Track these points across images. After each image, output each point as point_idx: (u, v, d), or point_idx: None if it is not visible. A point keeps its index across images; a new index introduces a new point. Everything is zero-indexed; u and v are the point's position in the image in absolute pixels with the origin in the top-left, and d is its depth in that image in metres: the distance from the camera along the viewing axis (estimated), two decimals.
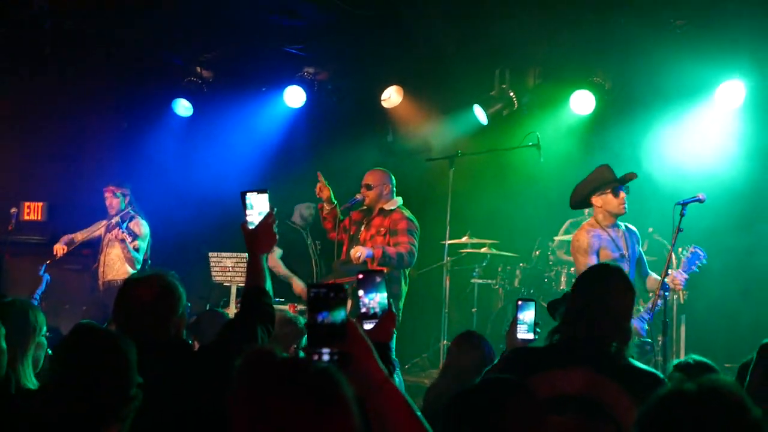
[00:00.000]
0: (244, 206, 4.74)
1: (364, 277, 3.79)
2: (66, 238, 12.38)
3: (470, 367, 6.08)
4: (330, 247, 10.76)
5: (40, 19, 11.59)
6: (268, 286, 4.77)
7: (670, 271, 8.66)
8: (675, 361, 5.46)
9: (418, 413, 2.76)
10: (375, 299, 3.78)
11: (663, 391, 2.64)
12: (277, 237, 4.79)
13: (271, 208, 4.74)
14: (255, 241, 4.73)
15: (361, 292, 3.77)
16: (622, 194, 8.84)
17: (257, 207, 4.73)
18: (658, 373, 4.46)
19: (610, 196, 8.85)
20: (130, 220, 12.18)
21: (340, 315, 2.66)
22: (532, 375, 4.29)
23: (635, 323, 8.43)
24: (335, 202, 10.12)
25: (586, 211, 10.78)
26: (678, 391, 2.58)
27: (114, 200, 12.20)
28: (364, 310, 3.77)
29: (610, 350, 4.39)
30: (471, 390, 3.54)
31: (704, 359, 5.33)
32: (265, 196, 4.74)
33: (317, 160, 13.15)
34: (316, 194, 10.13)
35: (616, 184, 8.83)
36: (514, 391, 3.50)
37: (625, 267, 8.72)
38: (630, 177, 8.87)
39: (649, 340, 8.67)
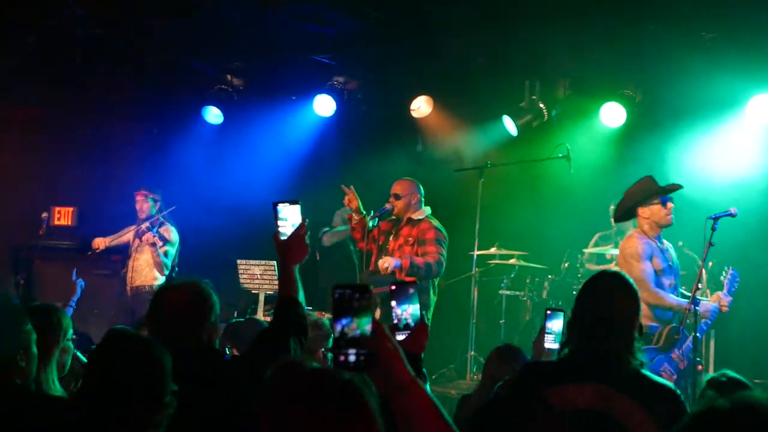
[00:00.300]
0: (276, 217, 4.74)
1: (396, 288, 3.78)
2: (98, 238, 12.48)
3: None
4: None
5: (72, 27, 11.65)
6: (301, 296, 4.76)
7: (700, 285, 8.61)
8: (708, 377, 5.40)
9: (446, 416, 2.74)
10: (407, 310, 3.78)
11: (697, 409, 2.62)
12: (309, 248, 4.78)
13: (303, 219, 4.74)
14: (287, 252, 4.72)
15: (393, 303, 3.77)
16: (670, 205, 8.89)
17: (289, 218, 4.73)
18: (670, 384, 4.38)
19: (657, 207, 8.89)
20: (160, 225, 12.26)
21: (365, 322, 2.63)
22: (546, 389, 4.26)
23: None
24: (364, 212, 10.13)
25: (614, 225, 10.77)
26: (711, 409, 2.56)
27: (145, 204, 12.29)
28: (396, 321, 3.77)
29: (619, 361, 4.31)
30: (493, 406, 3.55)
31: (737, 375, 5.28)
32: (297, 207, 4.74)
33: (346, 169, 13.16)
34: (345, 205, 10.16)
35: (662, 194, 8.83)
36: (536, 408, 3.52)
37: (672, 280, 8.77)
38: (674, 188, 8.89)
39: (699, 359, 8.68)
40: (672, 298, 8.66)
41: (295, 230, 4.71)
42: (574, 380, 4.26)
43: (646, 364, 4.52)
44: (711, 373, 5.63)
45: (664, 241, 9.01)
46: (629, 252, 8.82)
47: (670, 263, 8.87)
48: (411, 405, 2.70)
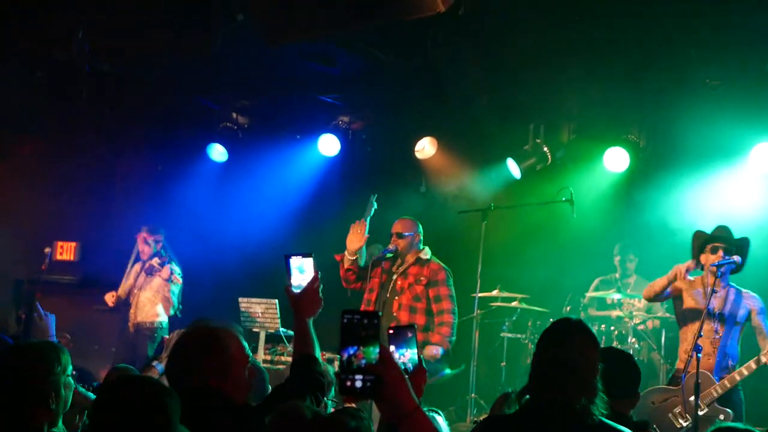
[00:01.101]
0: (288, 270, 4.71)
1: (395, 332, 3.78)
2: (111, 295, 12.51)
3: None
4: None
5: (79, 62, 11.70)
6: (317, 352, 4.72)
7: (702, 333, 8.60)
8: (718, 423, 5.28)
9: None
10: (406, 355, 3.77)
11: None
12: (322, 302, 4.76)
13: (316, 272, 4.71)
14: (301, 306, 4.70)
15: (392, 348, 3.76)
16: (720, 252, 8.91)
17: (303, 270, 4.71)
18: (628, 431, 4.24)
19: (708, 254, 9.01)
20: (164, 264, 12.24)
21: (372, 351, 2.63)
22: None
23: None
24: (359, 255, 10.20)
25: (618, 270, 10.80)
26: None
27: (145, 247, 12.28)
28: None
29: (577, 411, 4.16)
30: None
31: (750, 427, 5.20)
32: (310, 260, 4.71)
33: (350, 208, 13.17)
34: (349, 239, 10.15)
35: (710, 241, 8.94)
36: None
37: (712, 324, 8.80)
38: (718, 232, 8.98)
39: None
40: None
41: (309, 283, 4.68)
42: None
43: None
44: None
45: (728, 288, 9.20)
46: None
47: (710, 307, 8.87)
48: (414, 431, 2.68)
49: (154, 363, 7.13)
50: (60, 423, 4.80)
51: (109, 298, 12.48)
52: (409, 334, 3.81)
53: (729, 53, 10.31)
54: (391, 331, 3.78)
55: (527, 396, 4.37)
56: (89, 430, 3.49)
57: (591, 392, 4.24)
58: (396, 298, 10.18)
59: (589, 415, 4.18)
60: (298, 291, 4.70)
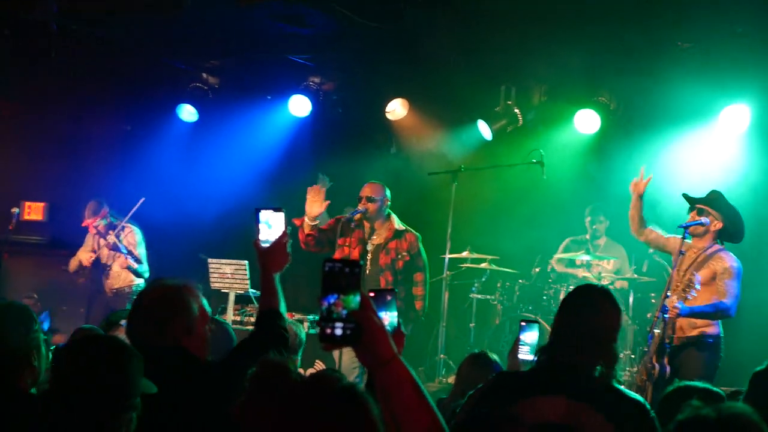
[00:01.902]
0: (257, 223, 4.67)
1: (375, 295, 3.77)
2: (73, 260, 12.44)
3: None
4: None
5: (47, 22, 11.59)
6: (282, 307, 4.73)
7: (669, 293, 8.64)
8: (675, 385, 5.29)
9: (425, 393, 2.73)
10: (385, 318, 3.77)
11: (683, 417, 2.63)
12: (290, 257, 4.74)
13: (286, 227, 4.70)
14: (269, 260, 4.68)
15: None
16: (693, 213, 9.13)
17: (272, 225, 4.67)
18: (642, 399, 4.33)
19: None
20: (121, 229, 12.16)
21: (353, 299, 2.62)
22: (517, 401, 4.24)
23: None
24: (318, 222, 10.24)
25: (588, 232, 10.83)
26: (698, 418, 2.58)
27: (98, 233, 12.19)
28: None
29: (593, 375, 4.29)
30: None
31: (709, 386, 5.23)
32: (281, 215, 4.69)
33: (320, 169, 13.15)
34: (308, 203, 10.11)
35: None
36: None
37: (684, 284, 8.88)
38: (709, 195, 9.14)
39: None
40: None
41: (278, 238, 4.66)
42: (546, 392, 4.23)
43: None
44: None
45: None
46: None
47: None
48: (391, 380, 2.68)
49: (122, 322, 7.12)
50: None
51: (74, 263, 12.41)
52: (389, 297, 3.81)
53: (700, 15, 10.31)
54: (371, 294, 3.78)
55: (541, 357, 4.46)
56: (49, 389, 3.46)
57: (610, 358, 4.36)
58: (381, 275, 10.25)
59: (601, 378, 4.30)
60: (267, 245, 4.67)
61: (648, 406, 4.29)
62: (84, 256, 12.38)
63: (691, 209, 9.13)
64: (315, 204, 10.13)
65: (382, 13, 11.08)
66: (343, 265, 2.63)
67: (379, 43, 11.95)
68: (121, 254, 12.07)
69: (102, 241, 12.23)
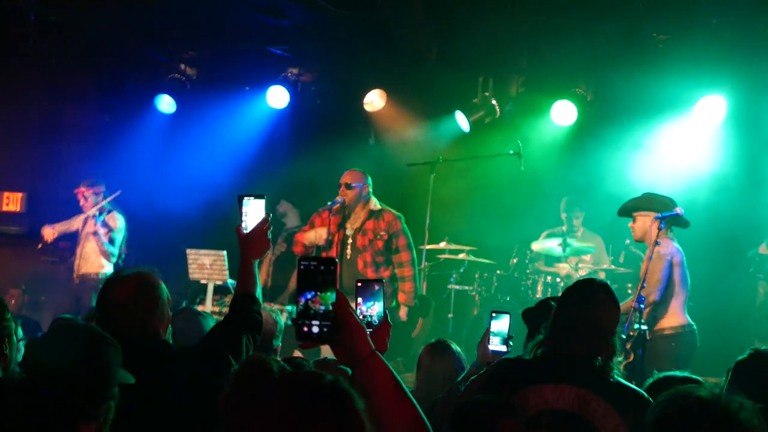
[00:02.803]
0: (240, 209, 4.72)
1: (362, 285, 3.79)
2: (47, 227, 12.34)
3: (439, 375, 6.09)
4: None
5: (26, 11, 11.55)
6: (258, 292, 4.74)
7: (645, 284, 8.69)
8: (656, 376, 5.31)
9: (405, 388, 2.74)
10: (373, 308, 3.79)
11: (681, 399, 2.69)
12: (271, 243, 4.77)
13: (267, 214, 4.73)
14: (248, 246, 4.71)
15: (359, 300, 3.79)
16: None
17: (253, 212, 4.71)
18: (643, 392, 4.42)
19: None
20: (107, 213, 12.15)
21: (329, 296, 2.65)
22: (522, 388, 4.28)
23: None
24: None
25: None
26: (696, 398, 2.64)
27: (84, 202, 12.16)
28: (361, 318, 3.77)
29: (596, 366, 4.35)
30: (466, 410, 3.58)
31: (688, 374, 5.26)
32: (262, 202, 4.72)
33: (298, 160, 13.17)
34: (319, 232, 10.26)
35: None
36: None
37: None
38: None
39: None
40: None
41: (258, 224, 4.69)
42: (552, 381, 4.31)
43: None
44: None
45: None
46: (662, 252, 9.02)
47: None
48: (371, 377, 2.71)
49: None
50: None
51: (49, 232, 12.34)
52: (376, 287, 3.81)
53: (676, 7, 10.38)
54: (359, 284, 3.80)
55: (542, 348, 4.52)
56: (25, 379, 3.47)
57: (610, 350, 4.43)
58: (359, 256, 10.30)
59: (607, 372, 4.36)
60: (248, 231, 4.71)
61: (650, 399, 4.31)
62: (49, 230, 12.33)
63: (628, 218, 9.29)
64: (322, 232, 10.22)
65: (358, 4, 11.10)
66: (319, 263, 2.66)
67: (357, 35, 11.98)
68: (93, 236, 12.03)
69: (82, 222, 12.20)
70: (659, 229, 8.84)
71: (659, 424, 2.91)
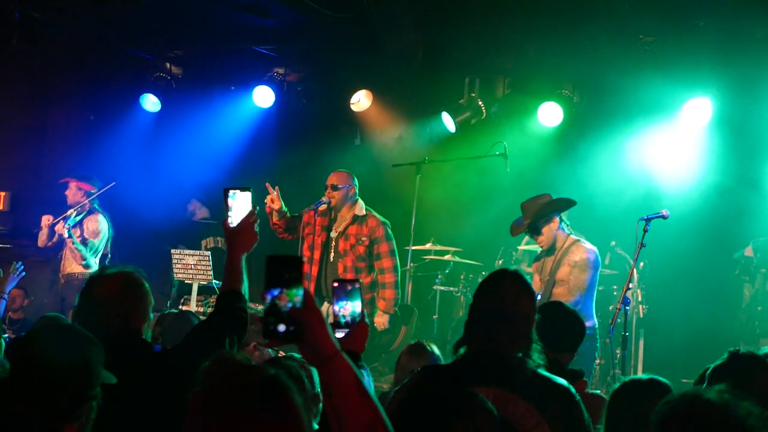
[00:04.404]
0: (226, 203, 4.63)
1: (338, 285, 3.77)
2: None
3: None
4: None
5: (9, 10, 11.51)
6: (245, 289, 4.64)
7: (631, 285, 8.71)
8: (628, 378, 5.28)
9: (368, 389, 2.74)
10: (346, 308, 3.76)
11: (689, 401, 2.68)
12: (258, 237, 4.69)
13: (254, 207, 4.63)
14: (235, 240, 4.62)
15: (334, 300, 3.76)
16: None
17: (239, 205, 4.61)
18: (566, 384, 4.28)
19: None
20: (88, 213, 12.00)
21: (295, 294, 2.63)
22: None
23: None
24: (286, 210, 10.15)
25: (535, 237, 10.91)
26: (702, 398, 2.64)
27: (68, 191, 11.99)
28: (333, 318, 3.75)
29: (513, 362, 4.21)
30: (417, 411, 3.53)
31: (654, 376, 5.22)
32: (248, 195, 4.62)
33: (284, 160, 13.16)
34: (267, 205, 10.07)
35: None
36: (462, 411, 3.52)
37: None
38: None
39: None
40: None
41: (245, 218, 4.60)
42: (472, 383, 4.09)
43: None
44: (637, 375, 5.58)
45: None
46: (589, 259, 8.91)
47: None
48: (334, 376, 2.71)
49: None
50: None
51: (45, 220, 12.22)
52: (349, 287, 3.79)
53: (663, 9, 10.37)
54: (335, 284, 3.77)
55: (463, 347, 4.38)
56: (7, 378, 3.44)
57: (526, 342, 4.28)
58: (340, 260, 10.27)
59: (524, 365, 4.22)
60: (234, 225, 4.64)
61: (573, 390, 4.25)
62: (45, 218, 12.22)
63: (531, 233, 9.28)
64: (275, 203, 10.12)
65: (344, 4, 11.09)
66: (286, 261, 2.64)
67: (343, 35, 11.96)
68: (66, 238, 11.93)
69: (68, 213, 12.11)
70: (565, 226, 8.94)
71: (664, 424, 2.90)
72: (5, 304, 7.49)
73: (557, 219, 9.01)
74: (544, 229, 9.01)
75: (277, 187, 10.03)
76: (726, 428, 2.78)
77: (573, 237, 9.10)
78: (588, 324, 8.34)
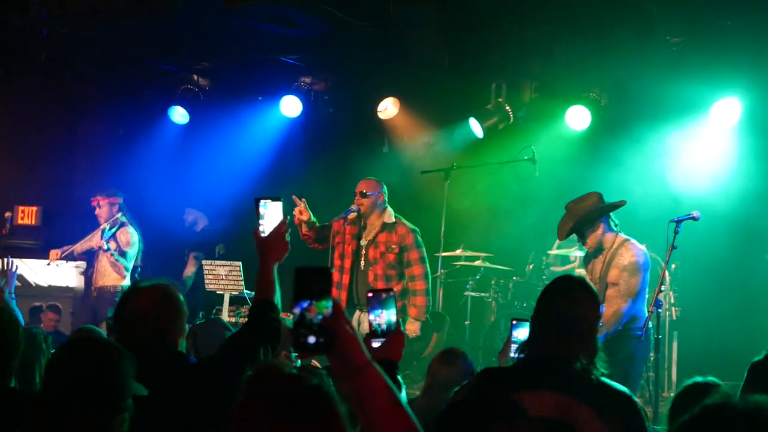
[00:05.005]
0: (257, 213, 4.61)
1: (372, 295, 3.77)
2: (66, 248, 12.35)
3: (447, 384, 6.04)
4: None
5: (38, 26, 11.59)
6: (277, 299, 4.61)
7: (663, 288, 8.64)
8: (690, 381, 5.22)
9: (401, 399, 2.73)
10: (382, 317, 3.75)
11: (710, 404, 2.66)
12: (289, 246, 4.68)
13: (285, 217, 4.63)
14: (267, 250, 4.60)
15: (369, 310, 3.76)
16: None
17: (270, 214, 4.60)
18: (628, 392, 4.26)
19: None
20: (120, 227, 12.10)
21: (324, 305, 2.62)
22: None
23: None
24: (314, 221, 10.14)
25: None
26: (728, 405, 2.62)
27: (99, 210, 12.14)
28: (369, 328, 3.75)
29: (577, 369, 4.18)
30: (452, 411, 3.52)
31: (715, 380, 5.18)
32: (279, 204, 4.61)
33: (313, 169, 13.18)
34: (296, 217, 10.05)
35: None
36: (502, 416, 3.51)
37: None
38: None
39: None
40: None
41: (276, 227, 4.58)
42: (533, 387, 4.15)
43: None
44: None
45: None
46: (638, 262, 8.67)
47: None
48: (366, 387, 2.69)
49: None
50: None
51: (53, 255, 12.35)
52: (384, 296, 3.79)
53: (690, 10, 10.33)
54: (369, 294, 3.77)
55: (525, 352, 4.39)
56: (43, 386, 3.48)
57: (591, 350, 4.27)
58: (370, 268, 10.20)
59: (588, 372, 4.20)
60: (265, 235, 4.63)
61: (635, 398, 4.24)
62: (53, 253, 12.34)
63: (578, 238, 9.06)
64: (303, 215, 10.11)
65: (369, 12, 11.10)
66: (314, 272, 2.64)
67: (369, 43, 11.97)
68: (102, 252, 12.04)
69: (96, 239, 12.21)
70: (612, 226, 8.74)
71: (685, 429, 2.88)
72: (15, 303, 7.53)
73: (602, 224, 8.76)
74: (590, 236, 8.82)
75: (303, 199, 10.03)
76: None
77: (622, 236, 8.71)
78: (641, 326, 8.31)
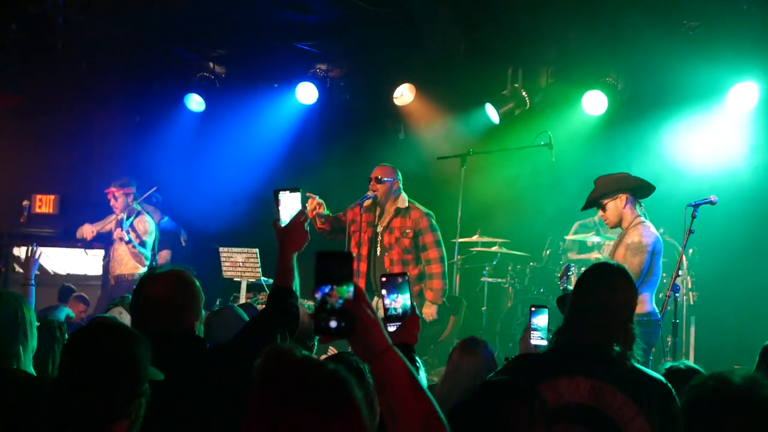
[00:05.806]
0: (276, 204, 4.71)
1: (387, 279, 3.79)
2: (86, 225, 12.40)
3: (468, 373, 6.04)
4: None
5: (53, 15, 11.62)
6: (296, 285, 4.68)
7: (680, 272, 8.61)
8: (666, 365, 5.28)
9: (421, 383, 2.73)
10: (397, 301, 3.77)
11: (714, 384, 2.67)
12: (309, 235, 4.74)
13: (303, 207, 4.71)
14: (287, 239, 4.66)
15: (384, 293, 3.78)
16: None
17: (288, 205, 4.70)
18: (663, 379, 4.29)
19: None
20: (136, 216, 12.16)
21: (346, 290, 2.63)
22: (538, 383, 4.20)
23: None
24: (328, 213, 10.16)
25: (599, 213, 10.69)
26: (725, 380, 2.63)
27: (115, 202, 12.19)
28: (385, 311, 3.77)
29: (613, 355, 4.23)
30: (474, 396, 3.54)
31: (695, 366, 5.21)
32: (297, 195, 4.71)
33: (329, 156, 13.18)
34: (309, 211, 10.04)
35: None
36: (513, 394, 3.52)
37: None
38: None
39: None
40: None
41: (295, 217, 4.67)
42: (566, 374, 4.21)
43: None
44: (670, 362, 5.55)
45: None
46: (642, 243, 8.56)
47: None
48: (387, 371, 2.70)
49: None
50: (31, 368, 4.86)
51: (88, 231, 12.41)
52: (399, 280, 3.81)
53: None
54: (384, 279, 3.79)
55: (560, 338, 4.44)
56: (59, 370, 3.49)
57: (629, 337, 4.32)
58: (386, 254, 10.25)
59: (623, 358, 4.25)
60: (285, 225, 4.69)
61: (669, 386, 4.24)
62: (88, 228, 12.41)
63: (598, 208, 8.86)
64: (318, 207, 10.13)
65: None
66: (336, 257, 2.64)
67: (384, 29, 11.97)
68: (126, 243, 12.09)
69: (114, 224, 12.26)
70: (636, 207, 8.56)
71: (691, 408, 2.89)
72: (34, 290, 7.57)
73: (624, 197, 8.56)
74: (609, 206, 8.61)
75: (316, 196, 10.07)
76: (751, 411, 2.76)
77: (640, 218, 8.51)
78: (643, 311, 8.15)
